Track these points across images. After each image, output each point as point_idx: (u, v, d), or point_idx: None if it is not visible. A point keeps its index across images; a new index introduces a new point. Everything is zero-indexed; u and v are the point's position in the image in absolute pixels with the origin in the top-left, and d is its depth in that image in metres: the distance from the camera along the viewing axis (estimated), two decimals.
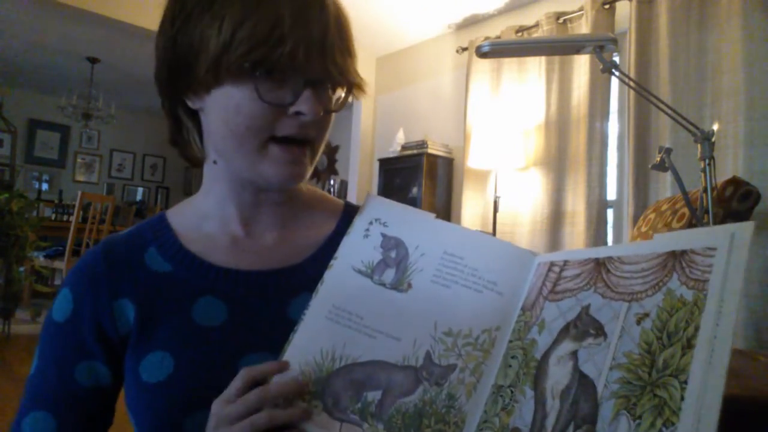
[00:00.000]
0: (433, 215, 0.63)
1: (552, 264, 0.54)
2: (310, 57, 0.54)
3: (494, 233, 3.12)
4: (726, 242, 0.41)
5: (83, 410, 0.59)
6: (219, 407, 0.49)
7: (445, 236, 0.60)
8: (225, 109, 0.55)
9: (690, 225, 1.66)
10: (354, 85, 0.59)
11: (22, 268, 3.81)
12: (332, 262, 0.60)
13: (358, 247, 0.61)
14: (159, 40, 0.59)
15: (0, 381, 2.76)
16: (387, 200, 0.65)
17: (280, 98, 0.54)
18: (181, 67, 0.57)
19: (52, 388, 0.59)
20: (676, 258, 0.44)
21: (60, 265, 4.34)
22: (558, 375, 0.46)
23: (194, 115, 0.61)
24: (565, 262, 0.53)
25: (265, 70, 0.53)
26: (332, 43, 0.55)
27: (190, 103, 0.60)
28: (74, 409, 0.59)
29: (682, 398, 0.37)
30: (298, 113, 0.55)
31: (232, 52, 0.52)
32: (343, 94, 0.61)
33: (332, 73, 0.56)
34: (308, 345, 0.54)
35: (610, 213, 2.93)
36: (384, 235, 0.61)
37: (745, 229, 0.40)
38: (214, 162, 0.62)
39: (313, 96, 0.55)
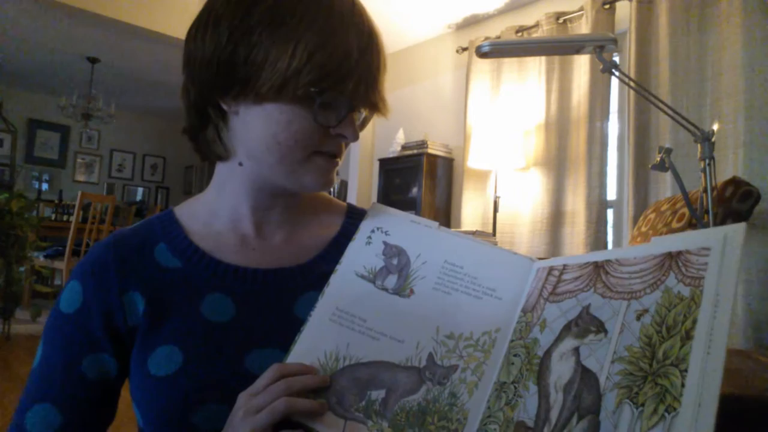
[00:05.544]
0: (436, 224, 0.65)
1: (551, 268, 0.56)
2: (366, 91, 0.58)
3: (494, 233, 3.13)
4: (719, 242, 0.43)
5: (89, 403, 0.60)
6: (245, 399, 0.51)
7: (446, 246, 0.63)
8: (274, 122, 0.57)
9: (690, 225, 1.66)
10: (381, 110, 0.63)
11: (22, 268, 3.81)
12: (337, 266, 0.62)
13: (360, 254, 0.63)
14: (207, 43, 0.58)
15: (0, 381, 2.77)
16: (390, 209, 0.68)
17: (327, 120, 0.58)
18: (234, 76, 0.57)
19: (59, 380, 0.59)
20: (672, 258, 0.46)
21: (60, 265, 4.34)
22: (561, 370, 0.47)
23: (224, 114, 0.62)
24: (564, 266, 0.55)
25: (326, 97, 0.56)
26: (381, 78, 0.59)
27: (225, 106, 0.60)
28: (80, 403, 0.59)
29: (683, 385, 0.38)
30: (340, 135, 0.60)
31: (302, 77, 0.54)
32: (366, 115, 0.64)
33: (378, 105, 0.60)
34: (313, 346, 0.56)
35: (610, 213, 2.94)
36: (386, 244, 0.64)
37: (737, 230, 0.42)
38: (240, 164, 0.63)
39: (354, 121, 0.60)
